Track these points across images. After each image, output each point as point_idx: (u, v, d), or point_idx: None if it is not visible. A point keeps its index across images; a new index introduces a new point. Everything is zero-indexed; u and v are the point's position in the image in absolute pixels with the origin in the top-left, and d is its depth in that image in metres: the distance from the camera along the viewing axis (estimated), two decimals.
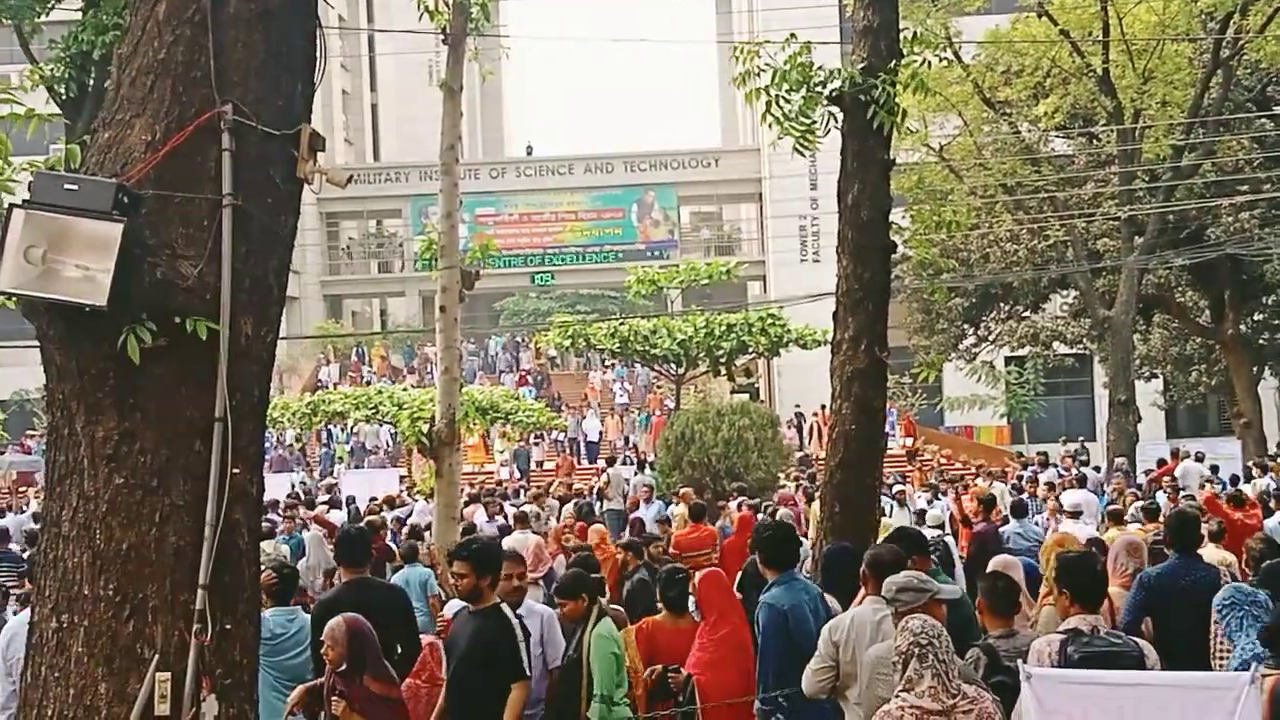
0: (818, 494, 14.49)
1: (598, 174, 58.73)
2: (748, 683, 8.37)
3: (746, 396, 44.36)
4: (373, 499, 24.43)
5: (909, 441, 41.47)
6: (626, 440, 43.54)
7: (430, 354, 46.68)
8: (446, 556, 10.46)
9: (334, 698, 7.43)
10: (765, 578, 8.64)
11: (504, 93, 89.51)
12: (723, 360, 40.91)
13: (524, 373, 53.36)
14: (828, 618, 8.37)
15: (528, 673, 7.59)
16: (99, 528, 4.54)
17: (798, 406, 44.88)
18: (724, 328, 39.74)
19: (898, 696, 5.46)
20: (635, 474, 30.01)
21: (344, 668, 7.40)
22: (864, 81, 10.60)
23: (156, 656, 4.51)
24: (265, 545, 13.53)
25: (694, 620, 9.11)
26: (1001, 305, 40.11)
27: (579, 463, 42.01)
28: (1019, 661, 5.72)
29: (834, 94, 10.89)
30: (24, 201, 4.44)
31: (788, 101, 11.03)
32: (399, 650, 8.68)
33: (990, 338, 41.01)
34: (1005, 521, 17.01)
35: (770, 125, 11.26)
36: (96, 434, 4.56)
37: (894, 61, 10.77)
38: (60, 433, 4.65)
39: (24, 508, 29.20)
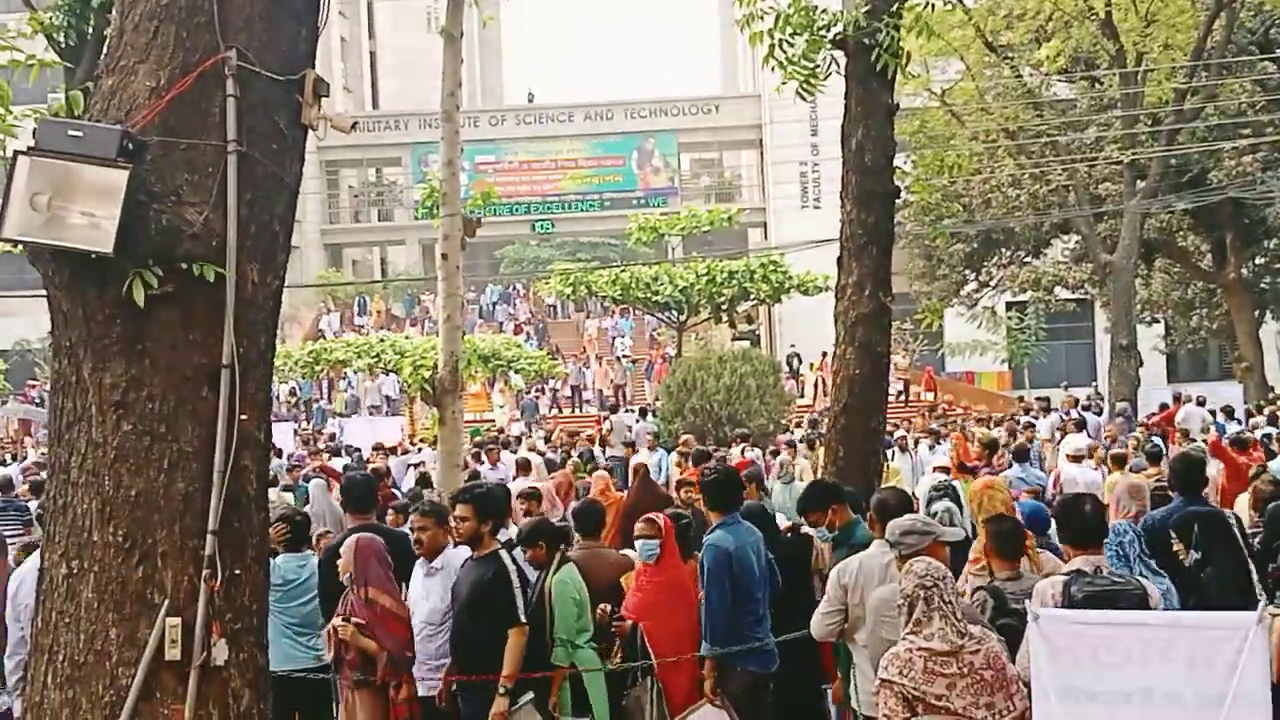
0: (819, 441, 14.51)
1: (598, 121, 58.42)
2: (693, 629, 8.30)
3: (748, 343, 44.41)
4: (376, 446, 24.51)
5: (930, 396, 41.49)
6: (617, 390, 43.34)
7: (430, 304, 46.55)
8: (449, 501, 10.50)
9: (340, 624, 7.57)
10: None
11: (503, 39, 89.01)
12: (724, 307, 40.95)
13: (519, 322, 53.17)
14: (772, 558, 8.41)
15: (523, 619, 7.62)
16: (108, 474, 4.54)
17: (793, 346, 44.70)
18: (725, 274, 39.76)
19: (906, 639, 5.47)
20: (637, 421, 30.00)
21: (350, 578, 7.74)
22: (868, 25, 10.55)
23: (166, 602, 4.53)
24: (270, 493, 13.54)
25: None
26: (1003, 250, 40.05)
27: (582, 410, 42.04)
28: (1026, 603, 5.74)
29: (837, 38, 10.86)
30: (29, 148, 4.41)
31: (791, 45, 10.99)
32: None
33: (992, 283, 40.97)
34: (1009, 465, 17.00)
35: (773, 69, 11.22)
36: (104, 380, 4.55)
37: (897, 4, 10.72)
38: (67, 379, 4.65)
39: (25, 457, 29.29)
